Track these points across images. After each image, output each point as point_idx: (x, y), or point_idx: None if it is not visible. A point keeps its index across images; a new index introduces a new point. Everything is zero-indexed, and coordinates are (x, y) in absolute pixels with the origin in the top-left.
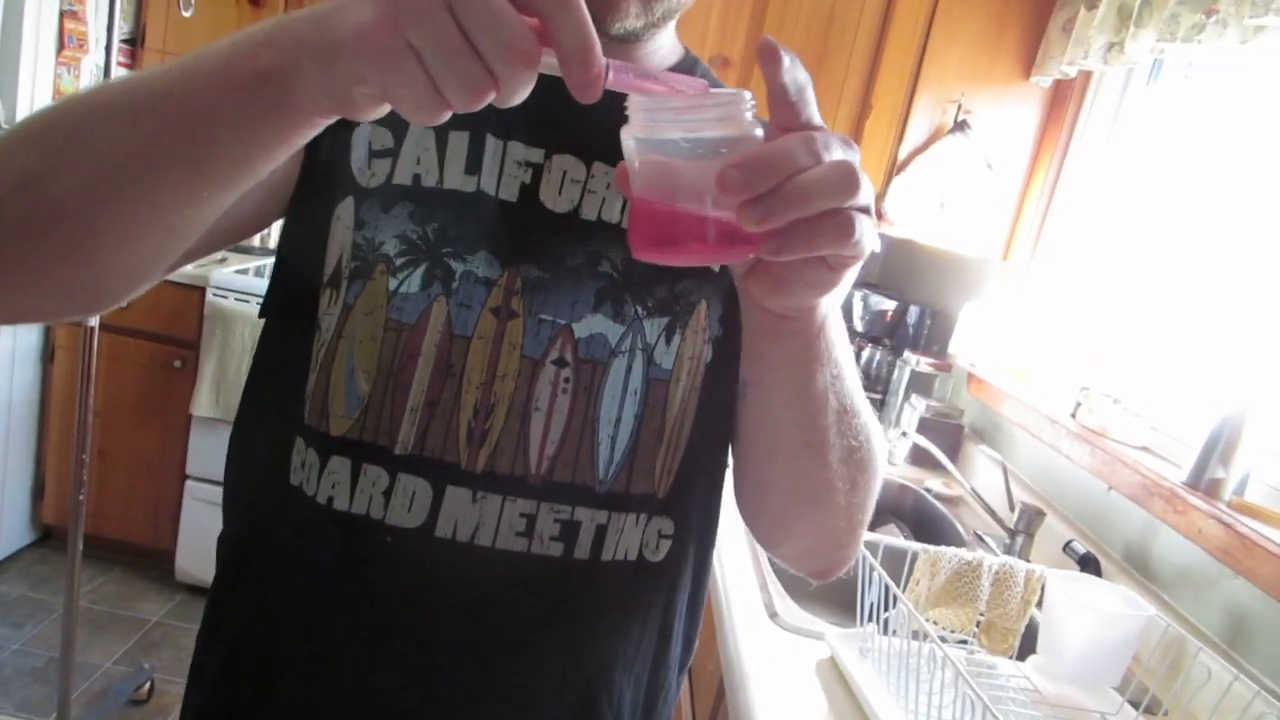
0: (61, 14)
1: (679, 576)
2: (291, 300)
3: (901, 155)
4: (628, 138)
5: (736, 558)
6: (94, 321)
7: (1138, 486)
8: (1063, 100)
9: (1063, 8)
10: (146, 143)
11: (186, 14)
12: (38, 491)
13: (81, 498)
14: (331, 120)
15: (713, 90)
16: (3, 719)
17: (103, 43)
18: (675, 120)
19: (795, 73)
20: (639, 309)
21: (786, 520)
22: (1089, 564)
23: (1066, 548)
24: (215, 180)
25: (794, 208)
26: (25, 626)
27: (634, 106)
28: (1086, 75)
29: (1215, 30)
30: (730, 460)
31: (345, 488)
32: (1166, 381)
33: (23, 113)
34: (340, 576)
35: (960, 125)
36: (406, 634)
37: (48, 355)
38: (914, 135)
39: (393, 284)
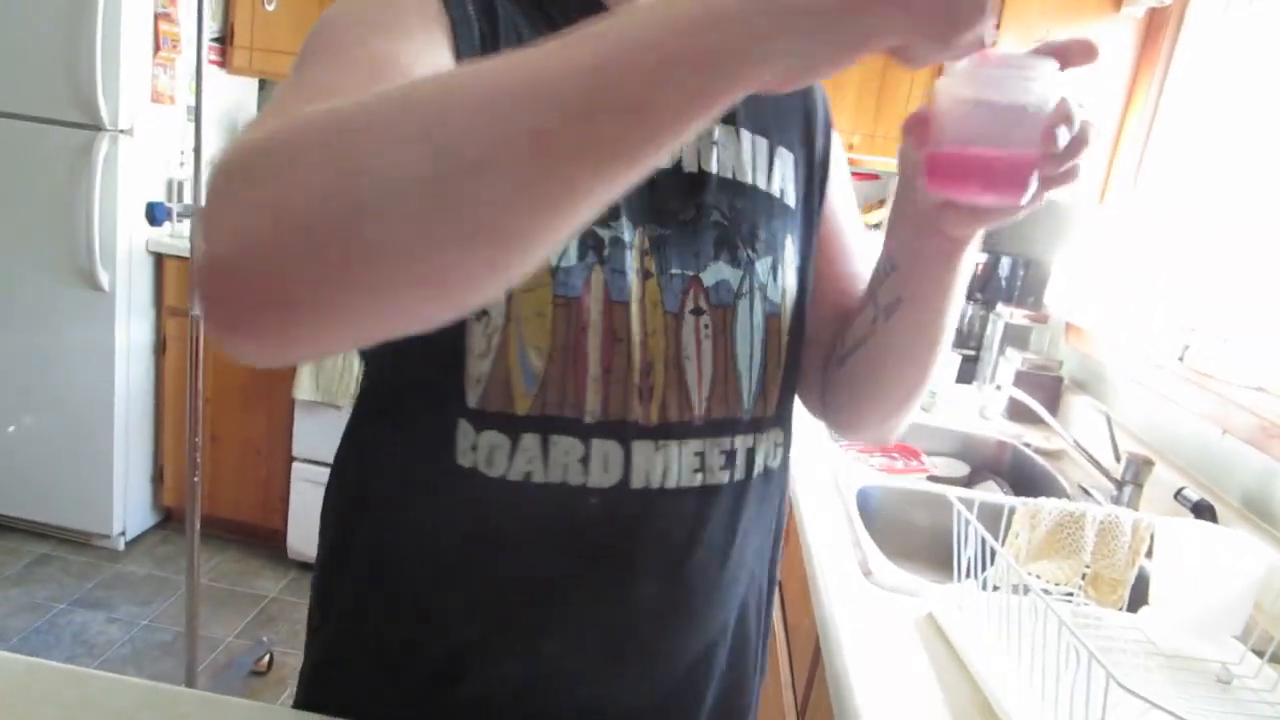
0: (156, 16)
1: (785, 478)
2: None
3: None
4: (954, 90)
5: (825, 516)
6: (198, 310)
7: (1255, 429)
8: (1158, 29)
9: None
10: (579, 136)
11: (270, 7)
12: (157, 476)
13: (196, 480)
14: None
15: (1028, 59)
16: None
17: (194, 42)
18: (1002, 80)
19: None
20: (749, 252)
21: (885, 411)
22: (1203, 511)
23: (1178, 495)
24: (640, 167)
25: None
26: (153, 604)
27: (961, 66)
28: (1182, 3)
29: None
30: (814, 368)
31: (539, 462)
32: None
33: (127, 114)
34: (553, 544)
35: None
36: (625, 578)
37: (159, 347)
38: None
39: (553, 259)
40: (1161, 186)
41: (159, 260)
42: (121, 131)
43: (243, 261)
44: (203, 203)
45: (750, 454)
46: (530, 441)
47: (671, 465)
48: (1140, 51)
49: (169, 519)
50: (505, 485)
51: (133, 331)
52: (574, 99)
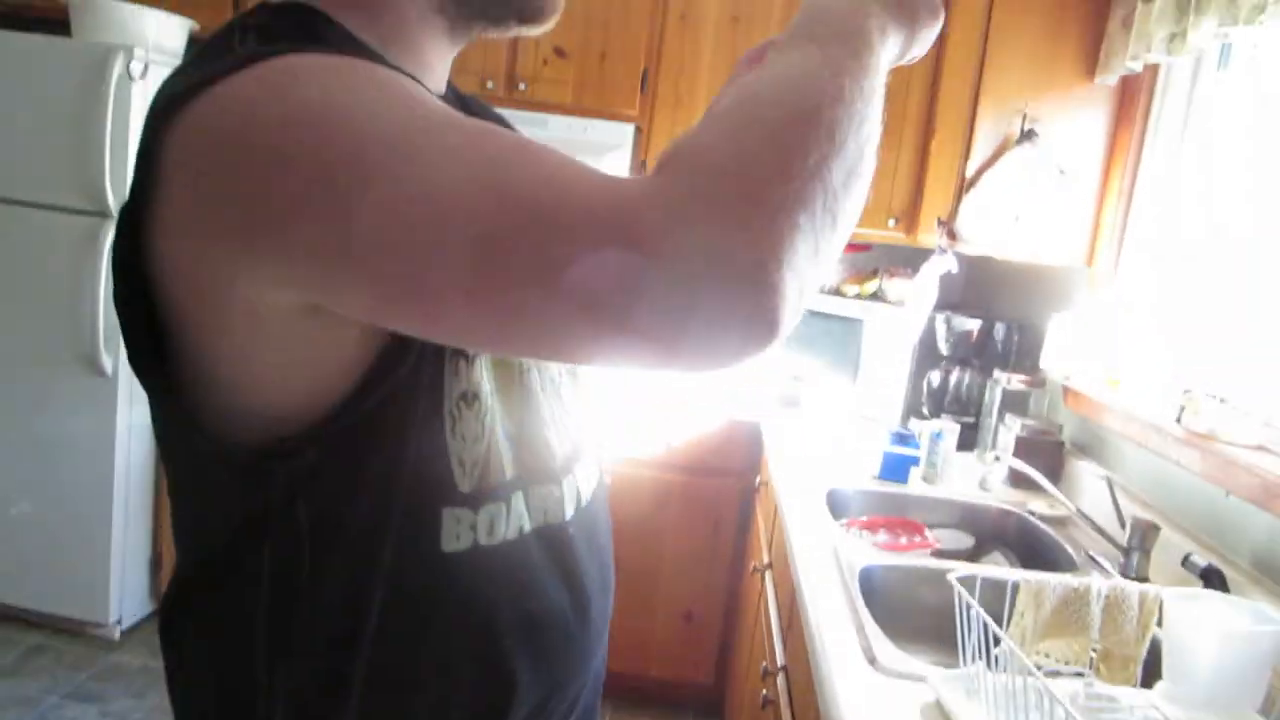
0: None
1: None
2: (390, 377)
3: (970, 172)
4: None
5: (828, 599)
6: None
7: (1258, 489)
8: (1132, 97)
9: (1119, 4)
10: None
11: None
12: (156, 562)
13: None
14: None
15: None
16: None
17: None
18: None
19: None
20: None
21: None
22: (1212, 577)
23: (1186, 561)
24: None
25: None
26: (146, 696)
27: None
28: (1153, 69)
29: (1276, 10)
30: None
31: (529, 513)
32: (1276, 373)
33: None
34: (546, 580)
35: (1027, 135)
36: (595, 585)
37: None
38: (981, 151)
39: None
40: (1148, 247)
41: None
42: None
43: (777, 243)
44: (689, 240)
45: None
46: (517, 499)
47: (591, 478)
48: (1116, 117)
49: None
50: (505, 544)
51: (134, 415)
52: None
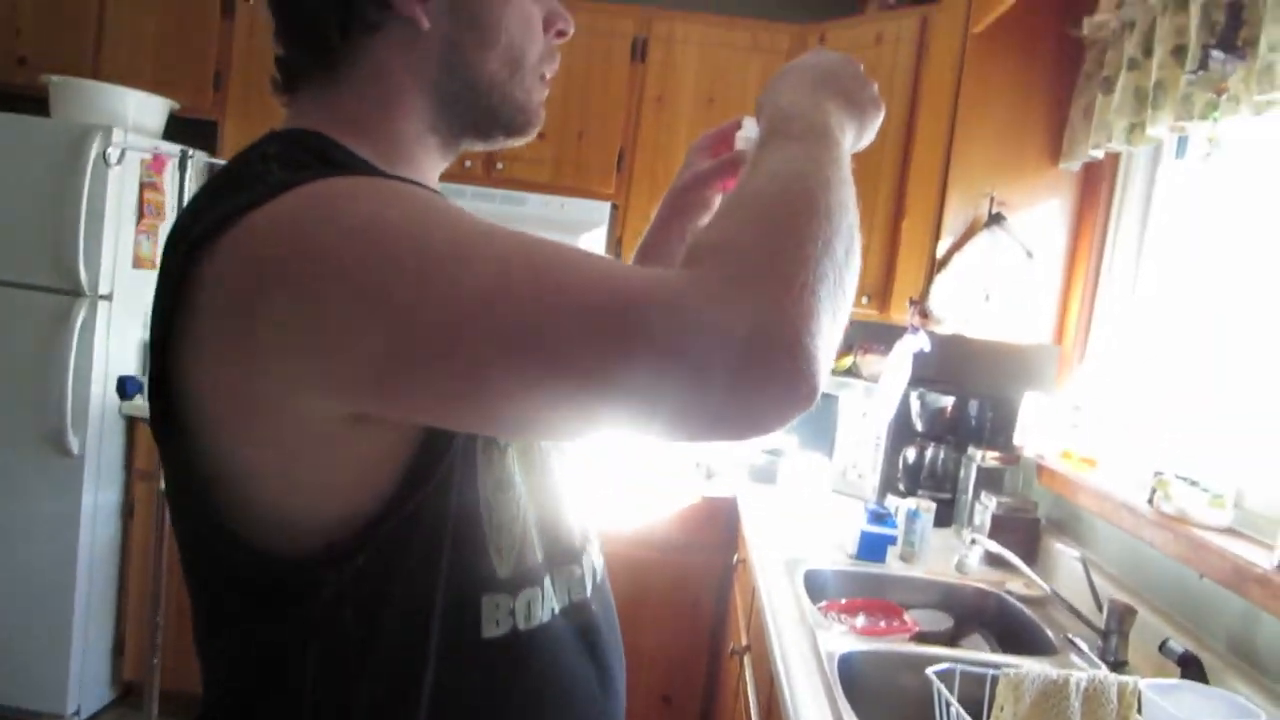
0: (142, 185)
1: None
2: (433, 474)
3: (941, 253)
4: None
5: (808, 690)
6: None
7: (1230, 572)
8: (1095, 182)
9: (1081, 94)
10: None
11: None
12: (118, 649)
13: (155, 662)
14: None
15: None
16: None
17: (177, 209)
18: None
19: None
20: None
21: None
22: (1189, 664)
23: (1163, 647)
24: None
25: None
26: None
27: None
28: (1115, 156)
29: (1229, 107)
30: None
31: (556, 594)
32: (1245, 455)
33: (106, 280)
34: (575, 657)
35: (995, 218)
36: (614, 656)
37: (127, 512)
38: (950, 232)
39: None
40: (1117, 326)
41: (131, 424)
42: (101, 297)
43: (805, 316)
44: (704, 314)
45: None
46: (548, 581)
47: (600, 553)
48: (1081, 201)
49: (129, 693)
50: (541, 628)
51: (100, 496)
52: (827, 160)
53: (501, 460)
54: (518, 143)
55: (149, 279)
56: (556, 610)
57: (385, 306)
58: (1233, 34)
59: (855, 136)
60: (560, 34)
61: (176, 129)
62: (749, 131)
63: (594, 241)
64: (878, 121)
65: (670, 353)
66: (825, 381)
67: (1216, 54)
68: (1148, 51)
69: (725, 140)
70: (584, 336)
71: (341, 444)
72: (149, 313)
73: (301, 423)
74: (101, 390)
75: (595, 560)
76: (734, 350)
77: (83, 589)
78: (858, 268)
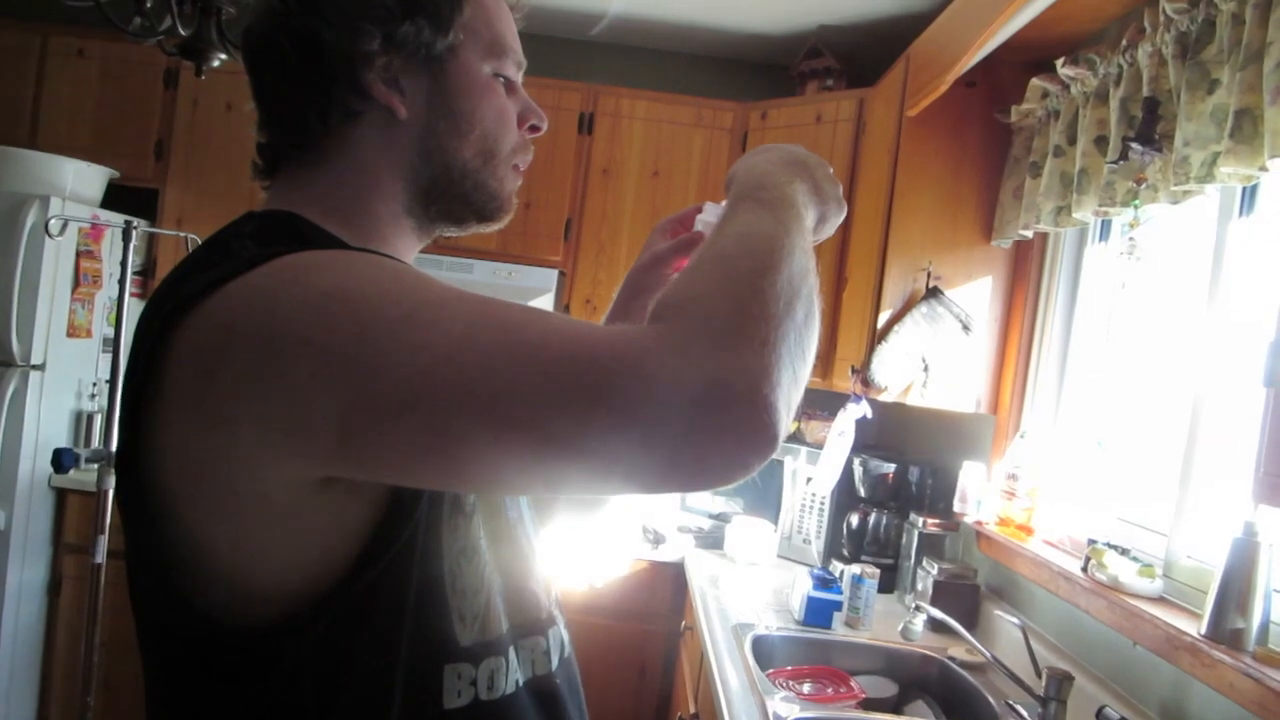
0: (78, 254)
1: None
2: (396, 540)
3: (881, 323)
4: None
5: None
6: (100, 558)
7: (1161, 641)
8: (1026, 258)
9: (1010, 176)
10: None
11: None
12: None
13: None
14: None
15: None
16: None
17: (115, 276)
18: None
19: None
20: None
21: None
22: None
23: (1100, 713)
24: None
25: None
26: None
27: (708, 211)
28: (1044, 235)
29: (1148, 194)
30: None
31: (520, 666)
32: (1175, 524)
33: (39, 350)
34: None
35: (932, 291)
36: None
37: (54, 587)
38: (889, 303)
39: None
40: (1051, 396)
41: (61, 495)
42: (33, 367)
43: (766, 370)
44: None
45: None
46: (512, 652)
47: (566, 629)
48: (1013, 276)
49: None
50: (504, 700)
51: (26, 572)
52: (794, 227)
53: (467, 528)
54: (491, 228)
55: (83, 348)
56: (520, 682)
57: (349, 363)
58: (1150, 129)
59: (816, 225)
60: (533, 129)
61: (116, 197)
62: (709, 215)
63: (542, 307)
64: (837, 220)
65: (633, 406)
66: (784, 433)
67: (1136, 146)
68: (1072, 140)
69: (685, 223)
70: (547, 392)
71: (306, 512)
72: (86, 382)
73: (266, 491)
74: (31, 462)
75: (562, 634)
76: (697, 402)
77: (4, 669)
78: (816, 334)
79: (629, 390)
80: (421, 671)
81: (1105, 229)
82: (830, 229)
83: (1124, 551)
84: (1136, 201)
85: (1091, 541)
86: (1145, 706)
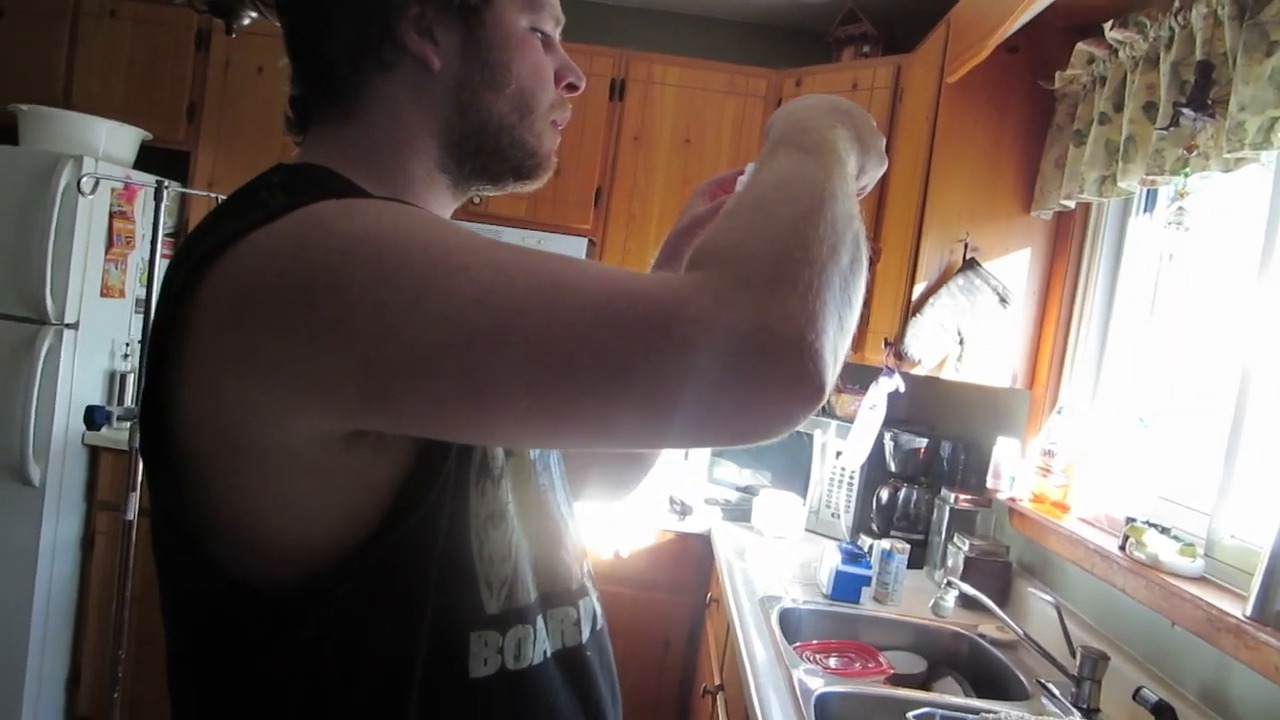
0: (111, 215)
1: None
2: (422, 500)
3: (916, 295)
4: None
5: None
6: (131, 514)
7: (1202, 622)
8: (1067, 230)
9: (1053, 145)
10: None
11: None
12: (73, 681)
13: (116, 696)
14: None
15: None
16: None
17: (148, 238)
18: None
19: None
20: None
21: None
22: (1163, 713)
23: (1137, 695)
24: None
25: None
26: None
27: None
28: (1086, 206)
29: (1199, 163)
30: None
31: (549, 636)
32: (1219, 503)
33: (73, 309)
34: (565, 705)
35: (969, 263)
36: (609, 709)
37: (87, 543)
38: (925, 275)
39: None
40: (1089, 372)
41: (94, 453)
42: (67, 325)
43: (811, 316)
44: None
45: None
46: (541, 621)
47: (598, 601)
48: (1053, 248)
49: None
50: (531, 669)
51: (60, 527)
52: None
53: (495, 493)
54: (528, 187)
55: (116, 308)
56: (549, 653)
57: (378, 309)
58: (1203, 93)
59: (857, 174)
60: (571, 87)
61: (148, 159)
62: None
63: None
64: (877, 174)
65: (672, 354)
66: (832, 383)
67: (1187, 112)
68: (1118, 107)
69: (726, 187)
70: (583, 338)
71: (332, 469)
72: (119, 342)
73: (292, 445)
74: (65, 420)
75: (595, 606)
76: (739, 349)
77: (39, 621)
78: (863, 282)
79: (668, 338)
80: (446, 639)
81: (1150, 199)
82: (870, 181)
83: (1164, 530)
84: (1186, 170)
85: (1130, 519)
86: (1183, 688)
